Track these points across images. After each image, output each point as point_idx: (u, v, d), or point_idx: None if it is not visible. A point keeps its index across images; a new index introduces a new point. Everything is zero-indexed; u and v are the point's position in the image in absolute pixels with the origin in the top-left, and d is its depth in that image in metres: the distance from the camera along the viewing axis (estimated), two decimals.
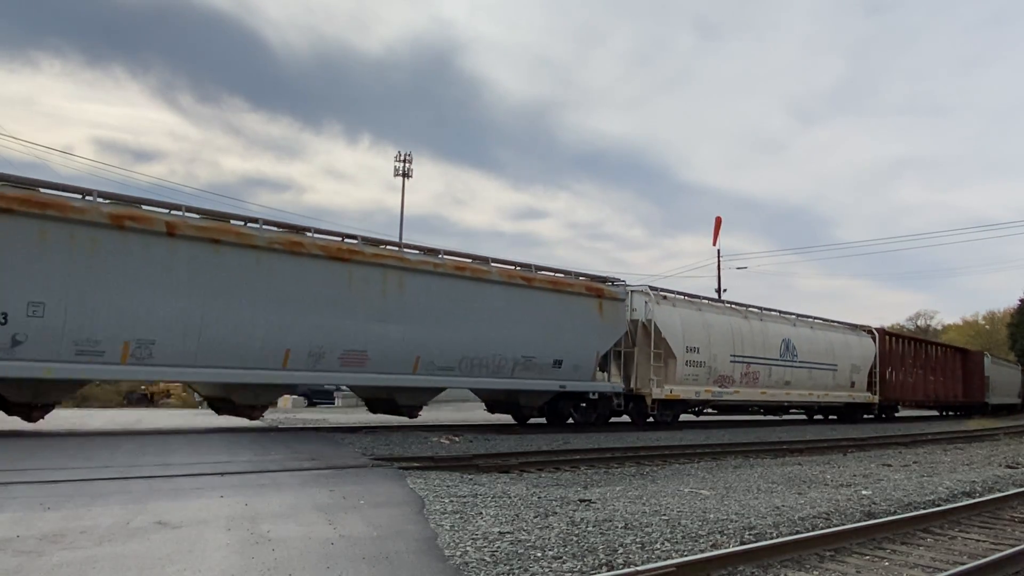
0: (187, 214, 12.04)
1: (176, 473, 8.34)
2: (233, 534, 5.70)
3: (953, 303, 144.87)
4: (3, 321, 10.19)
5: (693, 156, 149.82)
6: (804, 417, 27.17)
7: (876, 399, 26.72)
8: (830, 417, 27.36)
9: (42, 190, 10.83)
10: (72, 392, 12.28)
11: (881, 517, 7.66)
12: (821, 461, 13.76)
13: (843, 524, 7.23)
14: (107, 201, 11.28)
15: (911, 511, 8.15)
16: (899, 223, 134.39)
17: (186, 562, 4.90)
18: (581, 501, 7.87)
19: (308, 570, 4.85)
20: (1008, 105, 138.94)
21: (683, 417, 21.00)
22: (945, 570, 5.62)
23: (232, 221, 12.60)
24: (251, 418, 13.70)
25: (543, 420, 18.16)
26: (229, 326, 12.08)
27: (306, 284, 12.90)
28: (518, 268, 16.45)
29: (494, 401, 17.79)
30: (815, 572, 5.61)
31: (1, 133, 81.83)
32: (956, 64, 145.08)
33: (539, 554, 5.48)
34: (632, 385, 18.70)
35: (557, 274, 17.28)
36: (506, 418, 17.90)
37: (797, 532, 6.76)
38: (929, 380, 30.06)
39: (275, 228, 13.08)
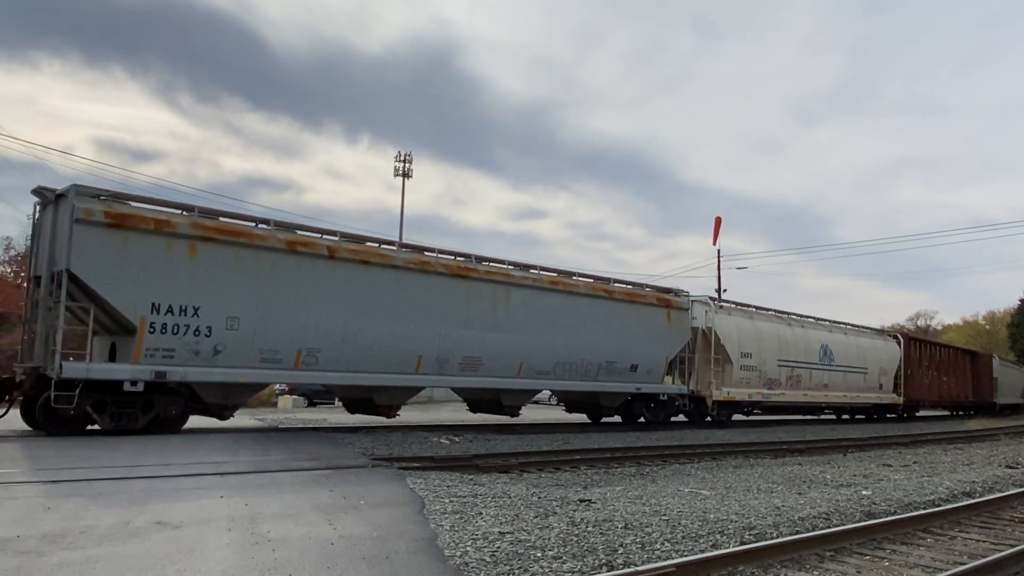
0: (341, 240, 13.93)
1: (176, 473, 8.34)
2: (233, 534, 5.70)
3: (953, 303, 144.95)
4: (208, 334, 11.89)
5: (693, 156, 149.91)
6: (833, 417, 28.43)
7: (901, 400, 28.38)
8: (856, 417, 28.78)
9: (223, 219, 12.54)
10: (254, 393, 14.01)
11: (881, 517, 7.66)
12: (821, 461, 13.76)
13: (843, 524, 7.23)
14: (269, 227, 13.05)
15: (911, 511, 8.16)
16: (899, 223, 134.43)
17: (186, 562, 4.90)
18: (581, 501, 7.87)
19: (308, 570, 4.85)
20: (1008, 105, 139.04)
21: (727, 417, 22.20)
22: (945, 570, 5.62)
23: (368, 243, 14.48)
24: (388, 416, 15.35)
25: (618, 419, 20.02)
26: (375, 336, 13.84)
27: (433, 298, 14.74)
28: (597, 281, 18.43)
29: (575, 402, 19.67)
30: (815, 572, 5.61)
31: (1, 133, 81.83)
32: (956, 64, 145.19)
33: (539, 554, 5.48)
34: (693, 387, 20.47)
35: (627, 286, 19.31)
36: (498, 419, 18.40)
37: (797, 532, 6.76)
38: (943, 381, 31.52)
39: (405, 248, 14.98)
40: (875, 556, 6.21)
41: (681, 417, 21.25)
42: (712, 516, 7.30)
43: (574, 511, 7.27)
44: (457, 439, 13.47)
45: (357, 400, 15.43)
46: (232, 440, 11.63)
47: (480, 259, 16.01)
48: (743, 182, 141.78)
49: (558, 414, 23.51)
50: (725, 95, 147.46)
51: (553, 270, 17.49)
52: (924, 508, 8.49)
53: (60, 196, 11.44)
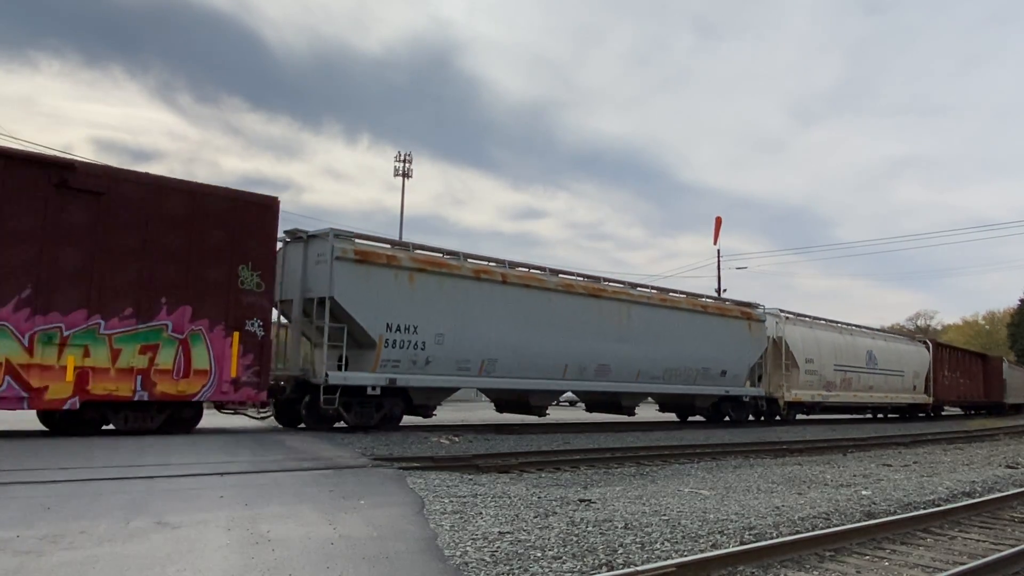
0: (508, 267, 16.54)
1: (176, 473, 8.34)
2: (233, 534, 5.70)
3: (953, 303, 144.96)
4: (422, 348, 14.44)
5: (692, 156, 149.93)
6: (870, 416, 31.48)
7: (931, 400, 31.47)
8: (889, 416, 31.82)
9: (419, 251, 15.02)
10: (447, 396, 16.30)
11: (881, 517, 7.66)
12: (821, 461, 13.76)
13: (843, 524, 7.23)
14: (459, 258, 15.59)
15: (911, 511, 8.16)
16: (899, 223, 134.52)
17: (186, 562, 4.90)
18: (581, 501, 7.88)
19: (308, 570, 4.86)
20: (1008, 104, 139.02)
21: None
22: (945, 570, 5.62)
23: (519, 268, 16.88)
24: (540, 415, 17.91)
25: (703, 418, 22.72)
26: (535, 348, 16.39)
27: (575, 315, 17.28)
28: (689, 296, 21.11)
29: (670, 403, 22.41)
30: (815, 572, 5.61)
31: (0, 133, 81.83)
32: (955, 63, 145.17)
33: (539, 554, 5.48)
34: (766, 390, 23.21)
35: (706, 299, 22.17)
36: (504, 417, 19.00)
37: (797, 532, 6.76)
38: (960, 383, 34.43)
39: (552, 272, 17.36)
40: (875, 556, 6.21)
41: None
42: (712, 516, 7.30)
43: (574, 511, 7.27)
44: (457, 439, 13.47)
45: (513, 401, 17.91)
46: (232, 440, 11.62)
47: (605, 279, 18.95)
48: (743, 182, 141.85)
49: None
50: (725, 95, 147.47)
51: (655, 288, 20.59)
52: (924, 508, 8.49)
53: (313, 236, 13.95)
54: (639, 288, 19.60)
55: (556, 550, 5.61)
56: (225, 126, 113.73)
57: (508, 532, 6.14)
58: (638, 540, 6.09)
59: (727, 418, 22.24)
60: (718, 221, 41.89)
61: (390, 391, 14.22)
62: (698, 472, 11.40)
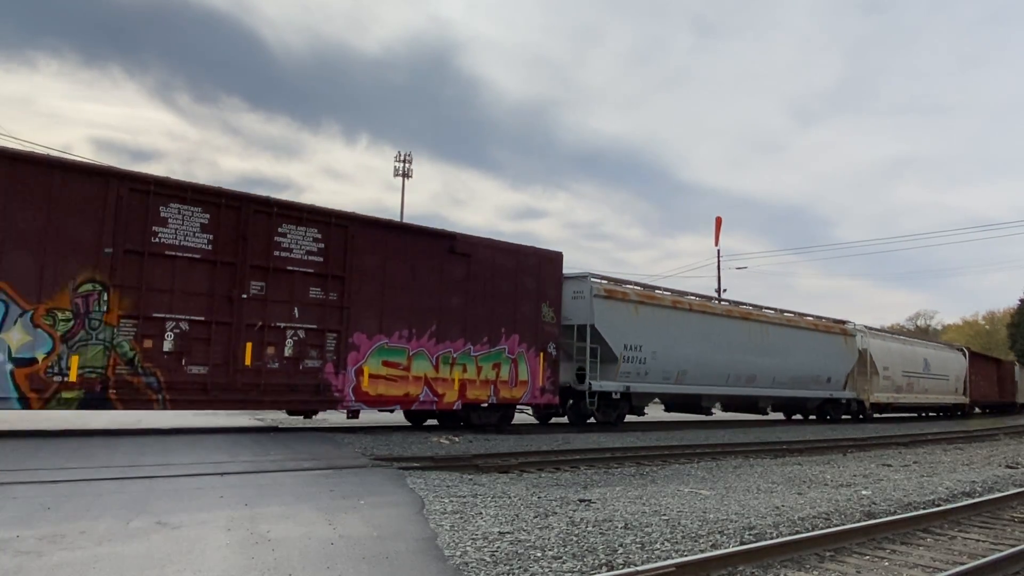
0: (692, 297, 21.60)
1: (176, 473, 8.34)
2: (233, 534, 5.70)
3: (953, 303, 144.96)
4: (643, 362, 18.62)
5: (692, 156, 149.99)
6: (915, 415, 35.09)
7: (967, 400, 36.07)
8: (929, 414, 35.89)
9: (635, 286, 19.69)
10: (651, 401, 20.37)
11: (881, 517, 7.67)
12: (821, 461, 13.76)
13: (843, 524, 7.23)
14: (664, 291, 20.78)
15: (911, 511, 8.16)
16: (898, 223, 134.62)
17: (186, 562, 4.90)
18: (581, 501, 7.88)
19: (308, 570, 4.86)
20: (1007, 104, 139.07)
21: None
22: (945, 570, 5.62)
23: (689, 296, 21.60)
24: (707, 414, 22.69)
25: (812, 417, 27.36)
26: (710, 361, 20.78)
27: (734, 335, 21.80)
28: (798, 315, 25.57)
29: (785, 405, 26.47)
30: (815, 572, 5.62)
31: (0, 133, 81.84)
32: (955, 63, 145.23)
33: (539, 554, 5.49)
34: (854, 393, 27.46)
35: (815, 318, 26.61)
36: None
37: (797, 532, 6.76)
38: (982, 385, 39.06)
39: (716, 300, 22.92)
40: (875, 556, 6.21)
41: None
42: (712, 516, 7.30)
43: (574, 511, 7.27)
44: (457, 439, 13.47)
45: (686, 403, 22.17)
46: (232, 440, 11.62)
47: (754, 306, 23.67)
48: (742, 182, 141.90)
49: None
50: (724, 95, 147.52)
51: (771, 308, 24.59)
52: (924, 508, 8.49)
53: (569, 277, 17.64)
54: (767, 310, 24.19)
55: (556, 550, 5.61)
56: (224, 126, 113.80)
57: (508, 532, 6.14)
58: (638, 540, 6.09)
59: (828, 416, 26.82)
60: (718, 221, 41.94)
61: (624, 395, 18.47)
62: (698, 472, 11.40)
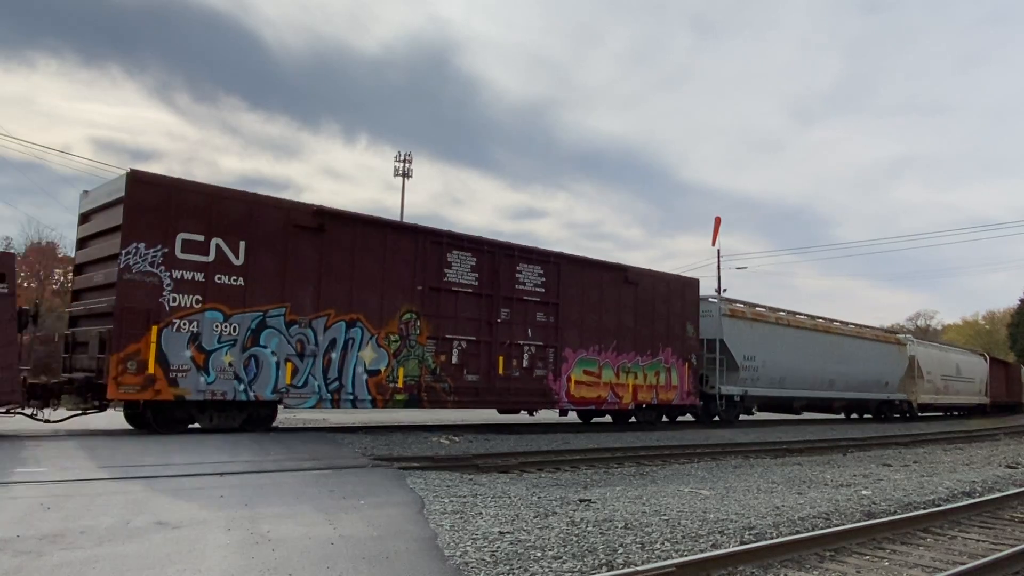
0: (787, 314, 25.30)
1: (176, 473, 8.34)
2: (233, 534, 5.70)
3: (953, 303, 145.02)
4: (756, 370, 22.21)
5: (691, 155, 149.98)
6: (941, 414, 37.96)
7: (988, 400, 40.41)
8: (953, 413, 38.77)
9: (738, 304, 23.15)
10: (760, 402, 24.06)
11: (881, 517, 7.67)
12: (821, 461, 13.76)
13: (843, 524, 7.23)
14: (764, 308, 24.35)
15: (911, 511, 8.16)
16: (898, 223, 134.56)
17: (186, 562, 4.90)
18: (581, 501, 7.87)
19: (308, 570, 4.86)
20: (1007, 104, 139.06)
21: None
22: (945, 570, 5.62)
23: (779, 311, 24.86)
24: (797, 414, 26.86)
25: (869, 416, 30.86)
26: (801, 368, 24.39)
27: (820, 346, 25.59)
28: (860, 326, 29.40)
29: (852, 406, 29.90)
30: (815, 572, 5.62)
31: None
32: (955, 63, 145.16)
33: (539, 554, 5.48)
34: (905, 396, 31.11)
35: (877, 330, 31.85)
36: (503, 418, 18.98)
37: (797, 532, 6.76)
38: (995, 386, 42.82)
39: (805, 316, 26.52)
40: (875, 556, 6.21)
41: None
42: (712, 516, 7.30)
43: (574, 511, 7.27)
44: (457, 439, 13.47)
45: (780, 405, 25.71)
46: (232, 440, 11.61)
47: (830, 320, 27.58)
48: (742, 182, 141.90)
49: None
50: (724, 94, 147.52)
51: (847, 322, 28.73)
52: (924, 508, 8.49)
53: (703, 299, 21.29)
54: (838, 323, 27.93)
55: (556, 550, 5.61)
56: (223, 126, 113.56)
57: (508, 532, 6.14)
58: (638, 540, 6.09)
59: (883, 416, 30.55)
60: (717, 221, 41.97)
61: (742, 398, 22.04)
62: (698, 472, 11.39)
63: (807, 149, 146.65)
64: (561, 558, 5.41)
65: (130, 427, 12.19)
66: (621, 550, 5.73)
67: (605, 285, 17.84)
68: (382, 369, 13.53)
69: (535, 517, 6.86)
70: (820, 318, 27.09)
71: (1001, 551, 6.26)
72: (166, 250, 11.23)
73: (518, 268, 15.92)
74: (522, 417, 18.54)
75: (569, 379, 16.77)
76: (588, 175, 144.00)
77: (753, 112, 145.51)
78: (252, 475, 8.53)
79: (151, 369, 10.96)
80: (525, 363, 15.96)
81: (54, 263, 46.89)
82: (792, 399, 25.18)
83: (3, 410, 10.71)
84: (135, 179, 11.14)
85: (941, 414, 36.89)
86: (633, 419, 19.03)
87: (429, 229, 14.75)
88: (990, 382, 40.30)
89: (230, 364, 11.73)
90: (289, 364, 12.38)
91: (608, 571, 5.11)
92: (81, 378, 11.33)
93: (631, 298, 18.44)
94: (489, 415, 18.80)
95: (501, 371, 15.44)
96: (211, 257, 11.68)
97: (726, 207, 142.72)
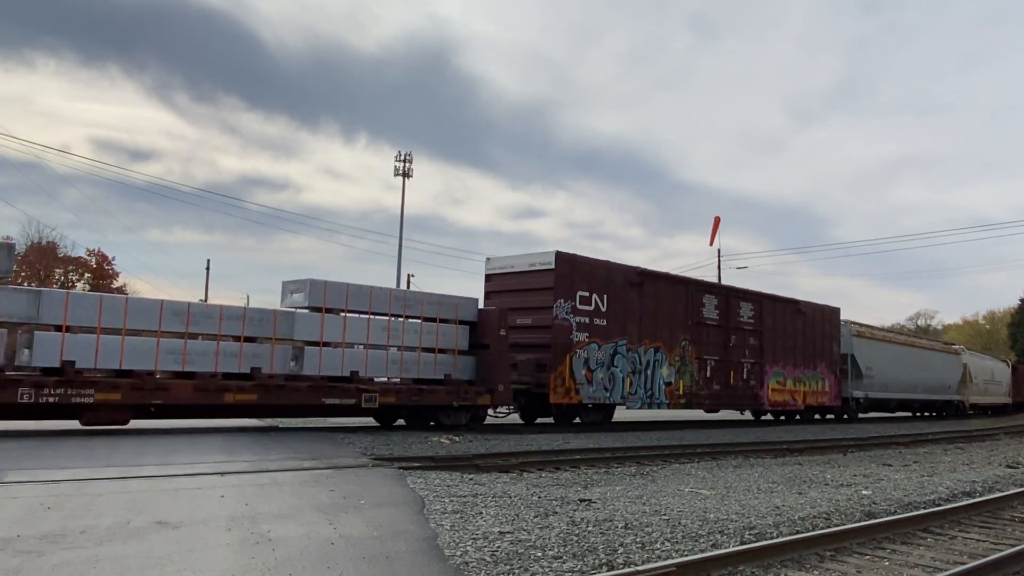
0: (886, 331, 34.50)
1: (176, 473, 8.34)
2: (233, 534, 5.70)
3: (953, 303, 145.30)
4: (872, 376, 28.34)
5: (691, 155, 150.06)
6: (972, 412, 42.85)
7: (1010, 400, 46.11)
8: (988, 412, 43.52)
9: (855, 323, 29.08)
10: (873, 403, 29.33)
11: (881, 517, 7.66)
12: (821, 461, 13.76)
13: (843, 524, 7.23)
14: (869, 326, 31.67)
15: (911, 511, 8.16)
16: (898, 223, 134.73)
17: (186, 562, 4.90)
18: (581, 501, 7.87)
19: (308, 570, 4.86)
20: (1007, 103, 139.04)
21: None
22: (945, 570, 5.62)
23: (885, 331, 33.82)
24: (892, 412, 33.42)
25: (929, 414, 36.88)
26: (896, 375, 30.02)
27: (906, 357, 31.21)
28: (928, 340, 34.99)
29: (921, 405, 35.38)
30: (815, 572, 5.62)
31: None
32: (954, 62, 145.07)
33: (539, 554, 5.48)
34: (959, 397, 36.81)
35: (942, 343, 38.79)
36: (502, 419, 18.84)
37: (797, 532, 6.76)
38: (1014, 388, 48.56)
39: (893, 331, 37.23)
40: (875, 556, 6.21)
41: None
42: (712, 516, 7.30)
43: (574, 511, 7.27)
44: (457, 439, 13.47)
45: (879, 406, 30.61)
46: (232, 440, 11.62)
47: (912, 333, 38.87)
48: (742, 181, 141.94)
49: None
50: (723, 94, 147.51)
51: (920, 335, 38.33)
52: (924, 508, 8.49)
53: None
54: (917, 338, 34.43)
55: (556, 550, 5.61)
56: (222, 125, 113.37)
57: (508, 532, 6.14)
58: (638, 540, 6.09)
59: (944, 413, 36.07)
60: (716, 221, 42.18)
61: (863, 400, 27.87)
62: (698, 472, 11.39)
63: (806, 149, 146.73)
64: (561, 558, 5.41)
65: (132, 428, 12.15)
66: (621, 550, 5.73)
67: (786, 315, 23.77)
68: (672, 381, 19.33)
69: (535, 517, 6.86)
70: (905, 334, 34.50)
71: (1001, 551, 6.26)
72: (572, 303, 16.77)
73: (739, 306, 21.85)
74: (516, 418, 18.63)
75: (768, 388, 22.69)
76: (588, 175, 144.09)
77: (752, 112, 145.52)
78: (252, 475, 8.53)
79: (567, 383, 16.40)
80: (744, 376, 21.86)
81: (55, 263, 46.81)
82: (890, 400, 30.71)
83: (504, 411, 16.75)
84: (559, 257, 16.71)
85: (972, 413, 41.48)
86: (798, 417, 25.06)
87: (693, 280, 21.55)
88: (1012, 384, 46.54)
89: (601, 379, 17.34)
90: (628, 379, 18.05)
91: (608, 571, 5.11)
92: (521, 389, 16.29)
93: (800, 324, 24.36)
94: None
95: (731, 382, 21.33)
96: (592, 307, 17.25)
97: (726, 207, 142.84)
